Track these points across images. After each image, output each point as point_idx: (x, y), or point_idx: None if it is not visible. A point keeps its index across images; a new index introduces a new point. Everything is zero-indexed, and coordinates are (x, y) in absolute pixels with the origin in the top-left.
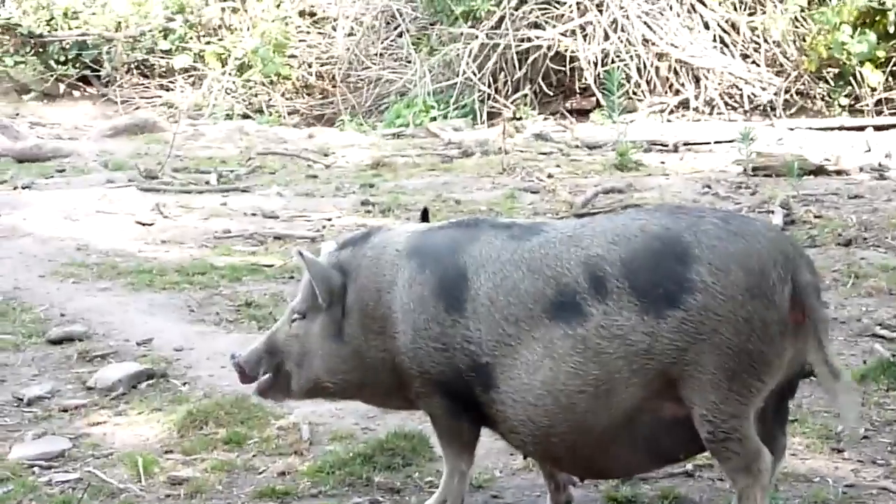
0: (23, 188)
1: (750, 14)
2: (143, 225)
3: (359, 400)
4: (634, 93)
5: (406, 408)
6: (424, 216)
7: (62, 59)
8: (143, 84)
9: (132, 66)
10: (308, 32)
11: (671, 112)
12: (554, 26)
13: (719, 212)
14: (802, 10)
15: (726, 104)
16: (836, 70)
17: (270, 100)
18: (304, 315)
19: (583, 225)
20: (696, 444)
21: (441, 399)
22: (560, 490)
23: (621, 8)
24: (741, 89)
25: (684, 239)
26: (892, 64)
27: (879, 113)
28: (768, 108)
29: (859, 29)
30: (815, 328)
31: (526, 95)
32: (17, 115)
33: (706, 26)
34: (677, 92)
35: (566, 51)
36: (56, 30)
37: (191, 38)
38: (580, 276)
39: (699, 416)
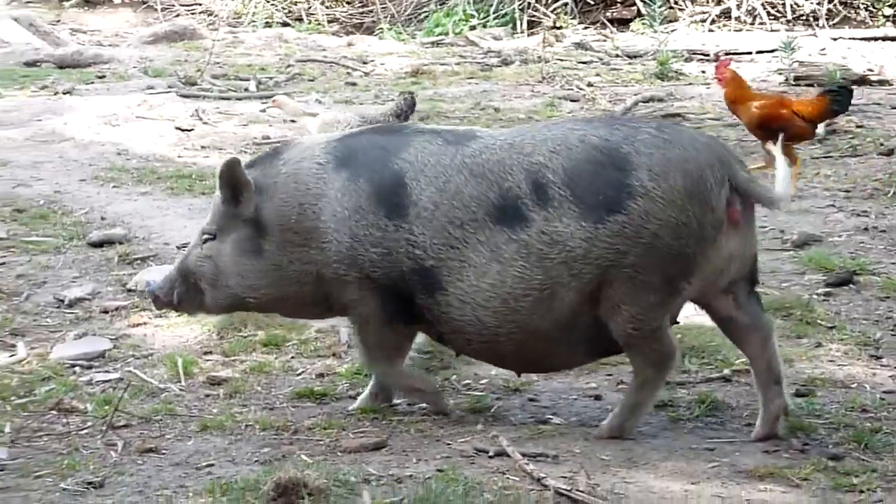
0: (64, 94)
1: None
2: (183, 130)
3: (277, 312)
4: (676, 2)
5: (321, 317)
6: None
7: None
8: None
9: None
10: None
11: (713, 22)
12: None
13: (653, 122)
14: None
15: (768, 14)
16: None
17: (310, 7)
18: (214, 236)
19: (521, 133)
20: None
21: (376, 305)
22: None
23: None
24: None
25: (623, 148)
26: None
27: None
28: (811, 18)
29: None
30: (764, 201)
31: (566, 4)
32: (59, 21)
33: None
34: (719, 1)
35: None
36: None
37: None
38: (522, 181)
39: (628, 315)
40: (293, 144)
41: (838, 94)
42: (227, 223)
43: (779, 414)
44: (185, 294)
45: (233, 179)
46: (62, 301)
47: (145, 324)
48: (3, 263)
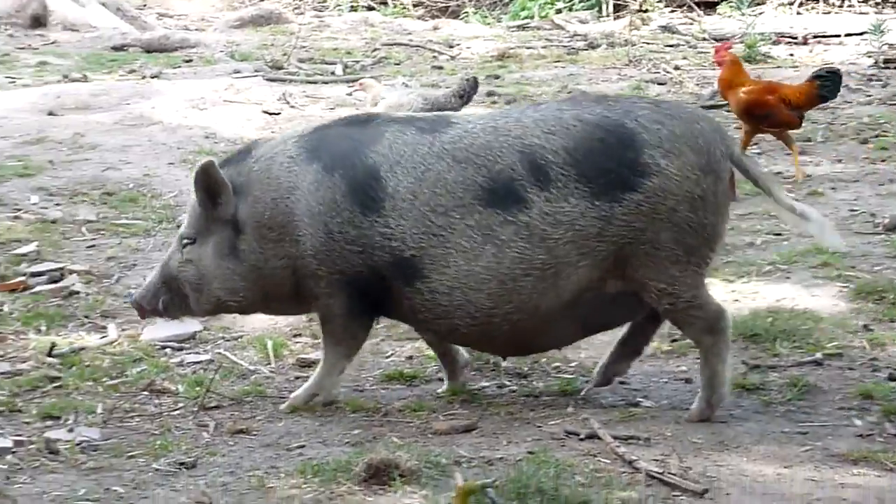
0: (151, 78)
1: None
2: (270, 114)
3: (263, 312)
4: None
5: (303, 311)
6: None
7: None
8: None
9: None
10: None
11: (801, 4)
12: None
13: (644, 98)
14: None
15: None
16: None
17: None
18: (193, 240)
19: (503, 116)
20: (628, 315)
21: (345, 299)
22: (458, 374)
23: None
24: None
25: (627, 125)
26: None
27: None
28: None
29: None
30: (764, 187)
31: None
32: (145, 6)
33: None
34: None
35: None
36: None
37: None
38: (516, 163)
39: (658, 290)
40: (264, 141)
41: (826, 80)
42: (206, 226)
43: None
44: (170, 301)
45: (209, 182)
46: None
47: None
48: (94, 246)
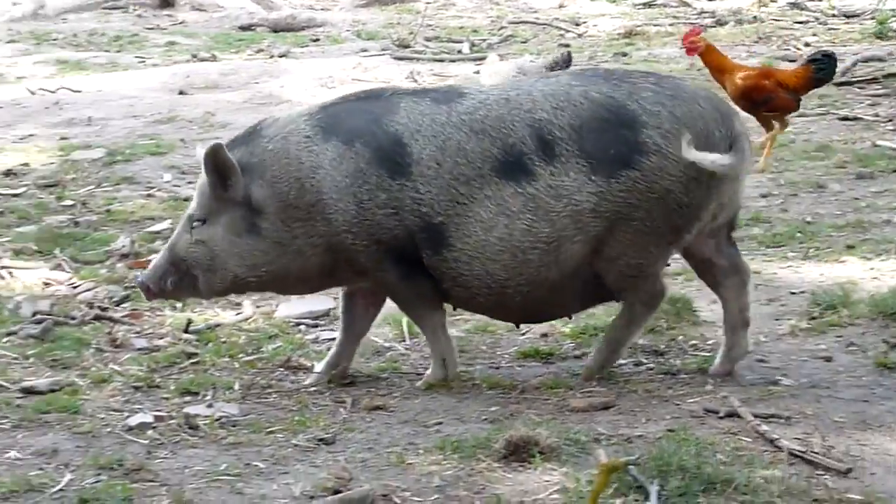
0: (279, 57)
1: None
2: None
3: (276, 290)
4: None
5: (320, 288)
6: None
7: None
8: None
9: None
10: None
11: None
12: None
13: (650, 75)
14: None
15: None
16: None
17: None
18: (203, 220)
19: (515, 89)
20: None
21: (393, 266)
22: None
23: None
24: None
25: (629, 105)
26: None
27: None
28: None
29: None
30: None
31: None
32: None
33: None
34: None
35: None
36: None
37: None
38: (526, 137)
39: (629, 262)
40: (272, 121)
41: (822, 63)
42: (216, 207)
43: (740, 357)
44: (178, 282)
45: (219, 164)
46: None
47: None
48: None
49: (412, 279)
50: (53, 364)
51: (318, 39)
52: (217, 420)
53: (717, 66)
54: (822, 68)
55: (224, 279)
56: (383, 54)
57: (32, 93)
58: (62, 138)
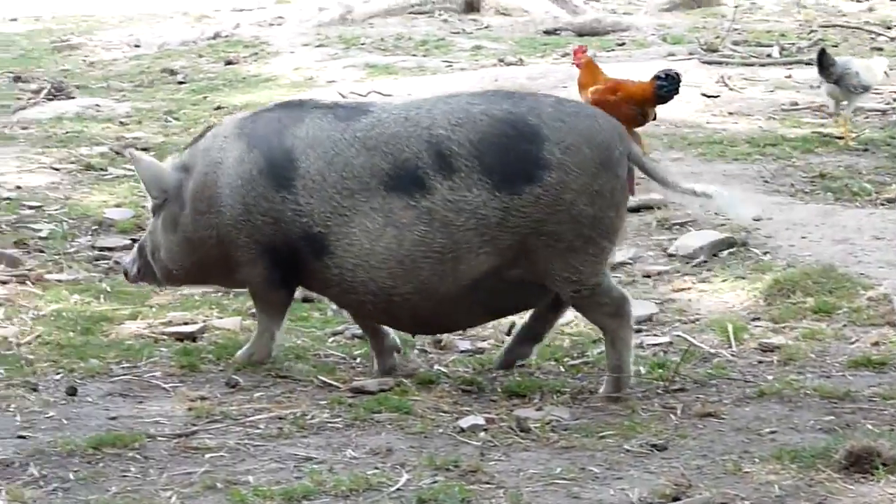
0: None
1: None
2: (708, 97)
3: (211, 284)
4: None
5: (236, 285)
6: None
7: None
8: None
9: None
10: None
11: None
12: None
13: (550, 96)
14: None
15: None
16: None
17: None
18: (154, 213)
19: (415, 107)
20: (530, 302)
21: (263, 268)
22: (385, 356)
23: None
24: None
25: (530, 121)
26: None
27: None
28: None
29: None
30: (661, 180)
31: None
32: None
33: None
34: None
35: None
36: None
37: None
38: (422, 152)
39: (562, 279)
40: (217, 125)
41: (664, 81)
42: (160, 202)
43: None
44: (142, 267)
45: (153, 180)
46: None
47: (689, 289)
48: None
49: (274, 284)
50: None
51: (623, 43)
52: (548, 423)
53: (581, 83)
54: (663, 86)
55: (160, 269)
56: (691, 58)
57: (343, 96)
58: None
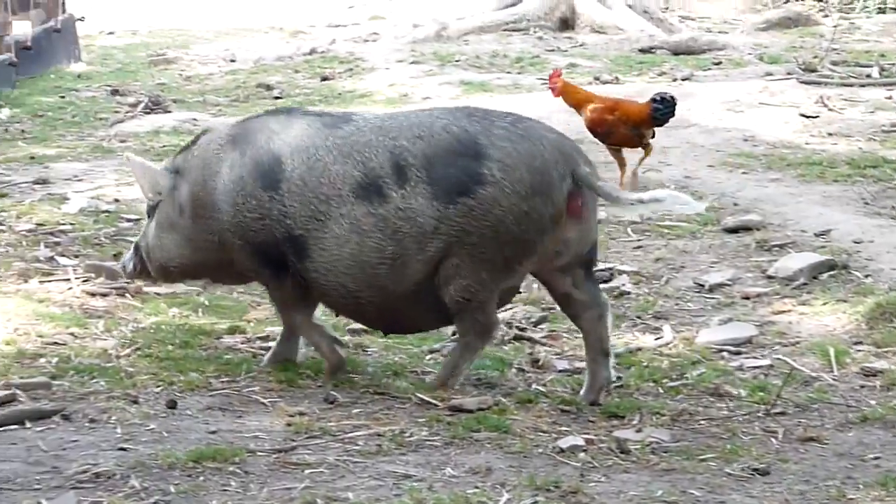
0: (682, 80)
1: None
2: (808, 117)
3: (203, 279)
4: None
5: (239, 282)
6: None
7: None
8: None
9: None
10: None
11: None
12: None
13: (510, 116)
14: None
15: None
16: None
17: None
18: (149, 214)
19: (391, 118)
20: None
21: (263, 266)
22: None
23: None
24: None
25: (480, 140)
26: None
27: None
28: None
29: None
30: (609, 197)
31: None
32: (667, 8)
33: None
34: None
35: None
36: None
37: None
38: (385, 162)
39: (461, 286)
40: (208, 131)
41: (660, 104)
42: (155, 203)
43: (603, 385)
44: (138, 265)
45: (138, 167)
46: (702, 286)
47: (789, 311)
48: (640, 247)
49: (280, 280)
50: (478, 383)
51: (720, 63)
52: (647, 445)
53: (574, 103)
54: (658, 109)
55: (156, 266)
56: (789, 78)
57: None
58: None
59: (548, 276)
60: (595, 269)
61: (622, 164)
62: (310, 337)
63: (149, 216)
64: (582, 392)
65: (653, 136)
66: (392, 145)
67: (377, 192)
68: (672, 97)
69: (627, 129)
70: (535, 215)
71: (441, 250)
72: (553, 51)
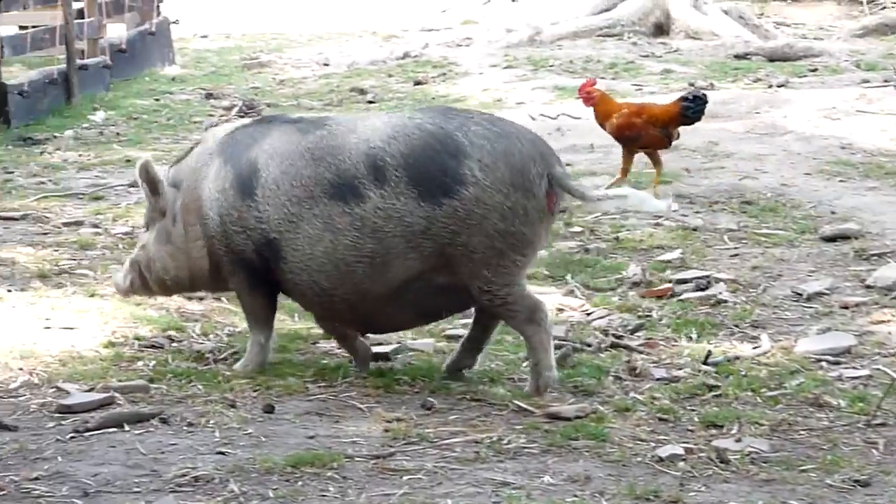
0: (778, 87)
1: None
2: None
3: (200, 291)
4: None
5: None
6: None
7: None
8: None
9: None
10: None
11: None
12: None
13: (485, 114)
14: None
15: None
16: None
17: None
18: (146, 227)
19: (363, 120)
20: (458, 306)
21: (243, 275)
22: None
23: None
24: None
25: (457, 138)
26: None
27: None
28: None
29: None
30: (579, 195)
31: None
32: (762, 14)
33: None
34: None
35: None
36: None
37: None
38: (360, 163)
39: (476, 288)
40: (203, 140)
41: (691, 103)
42: (153, 215)
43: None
44: (136, 279)
45: (147, 178)
46: (800, 295)
47: (888, 321)
48: (737, 255)
49: (255, 291)
50: (575, 390)
51: (815, 69)
52: (747, 455)
53: (602, 113)
54: (689, 107)
55: (154, 280)
56: (886, 85)
57: (533, 118)
58: (567, 164)
59: None
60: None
61: (658, 163)
62: (256, 355)
63: (146, 229)
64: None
65: (677, 137)
66: (366, 147)
67: (352, 192)
68: (703, 95)
69: (656, 130)
70: (519, 209)
71: (436, 250)
72: (647, 56)
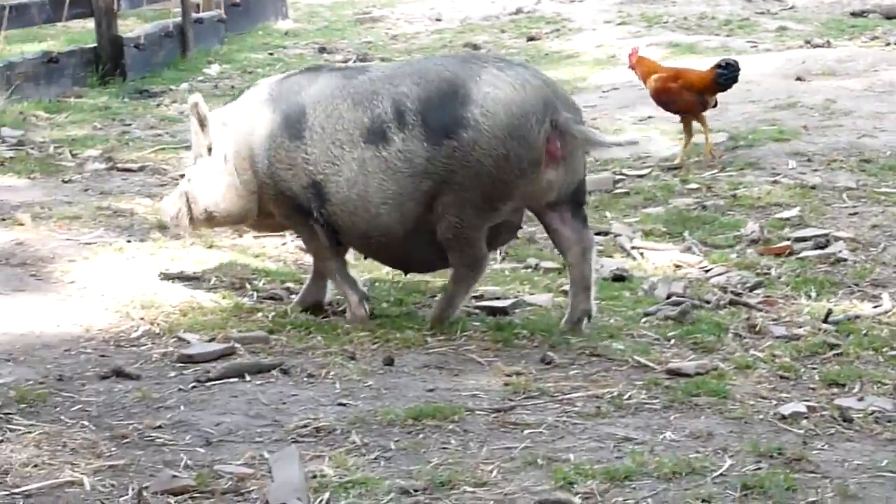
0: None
1: None
2: None
3: (245, 224)
4: None
5: (281, 231)
6: None
7: None
8: None
9: None
10: None
11: None
12: None
13: (503, 61)
14: None
15: None
16: None
17: None
18: (195, 161)
19: (399, 66)
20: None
21: (293, 212)
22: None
23: None
24: None
25: (468, 84)
26: None
27: None
28: None
29: None
30: (590, 140)
31: None
32: None
33: None
34: None
35: None
36: None
37: None
38: (388, 108)
39: (450, 222)
40: (255, 85)
41: (724, 70)
42: (200, 151)
43: (582, 317)
44: (182, 209)
45: (198, 114)
46: None
47: None
48: (856, 213)
49: (310, 229)
50: (694, 347)
51: None
52: (870, 414)
53: (643, 74)
54: (723, 74)
55: (199, 211)
56: None
57: None
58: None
59: (539, 211)
60: (583, 206)
61: (689, 135)
62: (340, 287)
63: (194, 162)
64: (563, 321)
65: (714, 105)
66: (395, 92)
67: (382, 136)
68: (735, 62)
69: (691, 95)
70: (513, 158)
71: (432, 189)
72: (763, 13)
